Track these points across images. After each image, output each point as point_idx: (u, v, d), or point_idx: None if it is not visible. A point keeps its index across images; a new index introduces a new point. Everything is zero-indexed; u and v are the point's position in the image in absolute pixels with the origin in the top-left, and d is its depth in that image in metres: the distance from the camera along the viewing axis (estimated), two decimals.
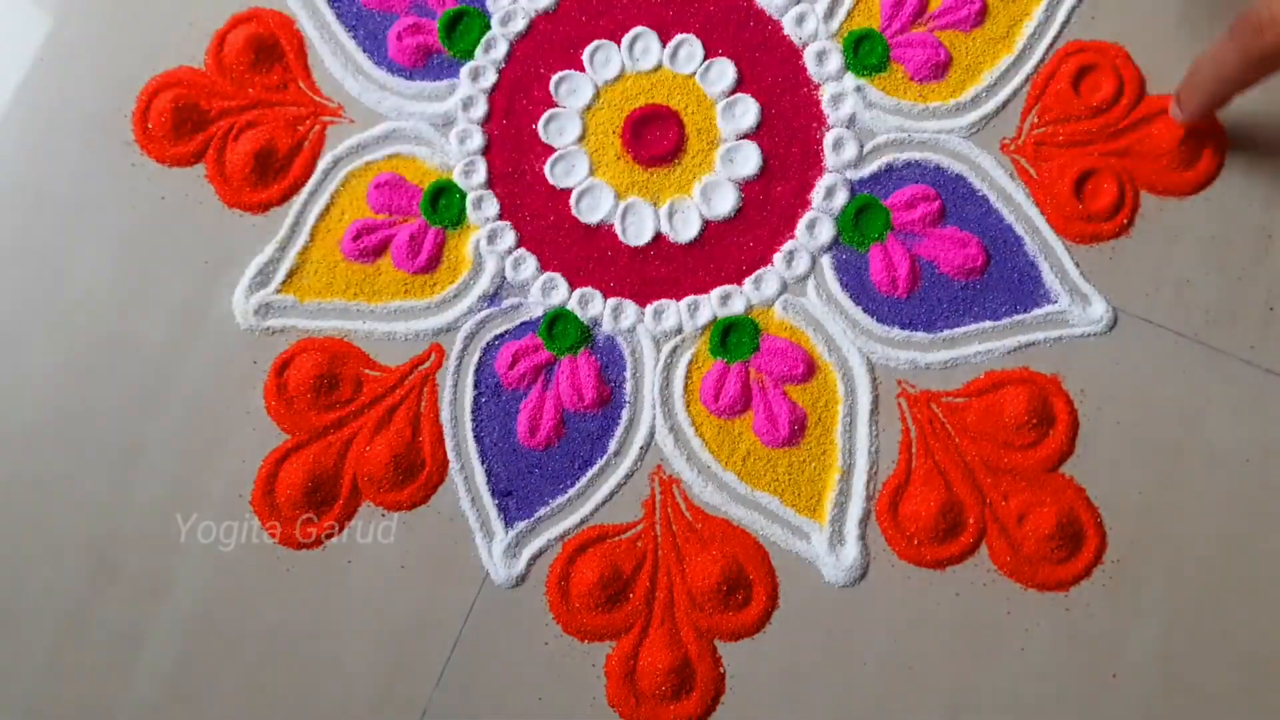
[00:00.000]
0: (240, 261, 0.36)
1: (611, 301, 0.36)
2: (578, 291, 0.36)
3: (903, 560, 0.34)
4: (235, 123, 0.37)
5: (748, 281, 0.37)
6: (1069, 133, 0.37)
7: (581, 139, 0.38)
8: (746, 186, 0.38)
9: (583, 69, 0.38)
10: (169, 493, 0.34)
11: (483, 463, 0.35)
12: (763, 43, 0.39)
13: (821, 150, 0.38)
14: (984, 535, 0.34)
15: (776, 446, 0.35)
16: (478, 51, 0.38)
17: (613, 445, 0.35)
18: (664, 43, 0.39)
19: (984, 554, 0.34)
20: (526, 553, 0.34)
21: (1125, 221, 0.37)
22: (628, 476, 0.35)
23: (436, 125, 0.38)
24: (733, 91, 0.38)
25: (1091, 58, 0.38)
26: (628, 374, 0.36)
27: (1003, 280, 0.36)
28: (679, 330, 0.36)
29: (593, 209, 0.37)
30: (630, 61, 0.39)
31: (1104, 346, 0.36)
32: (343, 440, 0.35)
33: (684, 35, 0.39)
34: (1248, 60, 0.32)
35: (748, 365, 0.36)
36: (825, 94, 0.38)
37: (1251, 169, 0.37)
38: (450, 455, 0.35)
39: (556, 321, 0.36)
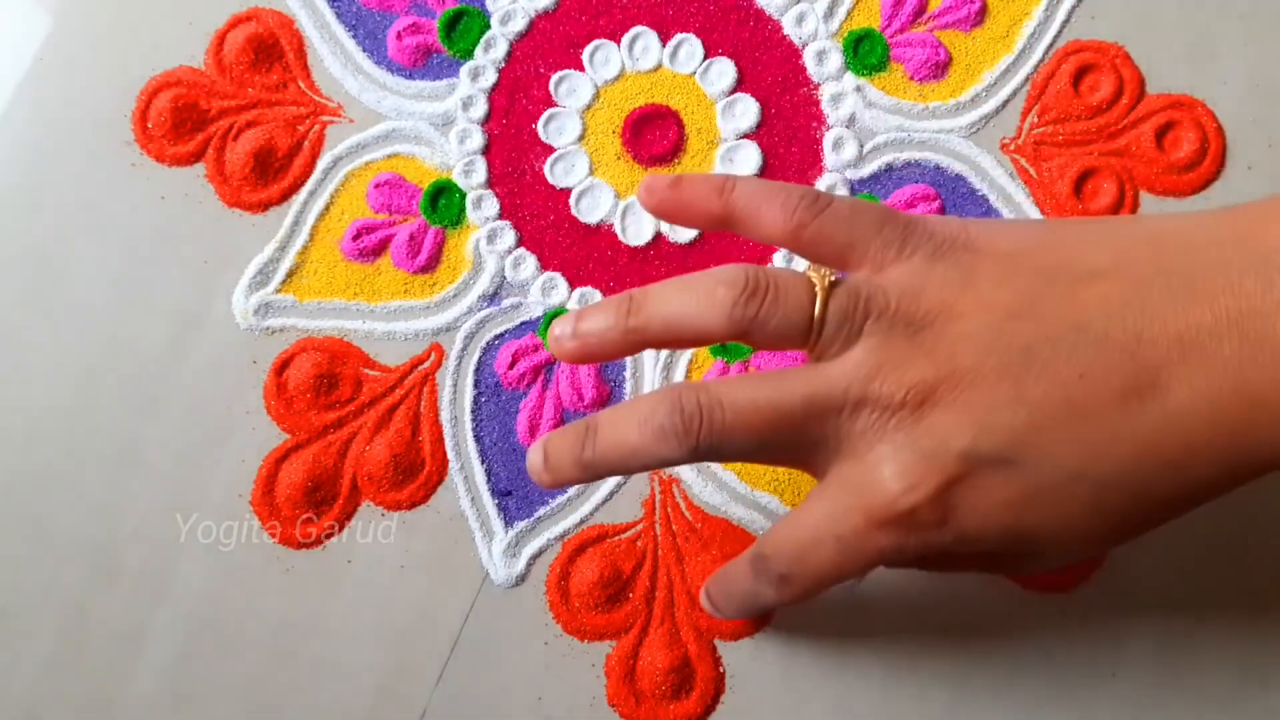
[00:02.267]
0: (240, 261, 0.36)
1: None
2: (578, 291, 0.36)
3: None
4: (235, 122, 0.37)
5: None
6: (1069, 132, 0.37)
7: (581, 139, 0.38)
8: None
9: (582, 69, 0.38)
10: (169, 493, 0.34)
11: (483, 462, 0.35)
12: (763, 42, 0.39)
13: (821, 150, 0.38)
14: None
15: None
16: (477, 51, 0.38)
17: None
18: (664, 42, 0.39)
19: None
20: (526, 552, 0.34)
21: None
22: (627, 476, 0.35)
23: (436, 125, 0.38)
24: (733, 91, 0.38)
25: (1091, 58, 0.38)
26: (628, 374, 0.36)
27: None
28: None
29: (592, 209, 0.37)
30: (630, 61, 0.39)
31: None
32: (343, 440, 0.35)
33: (684, 35, 0.39)
34: (788, 602, 0.27)
35: (747, 365, 0.36)
36: (825, 94, 0.38)
37: (1250, 169, 0.37)
38: (450, 455, 0.35)
39: None
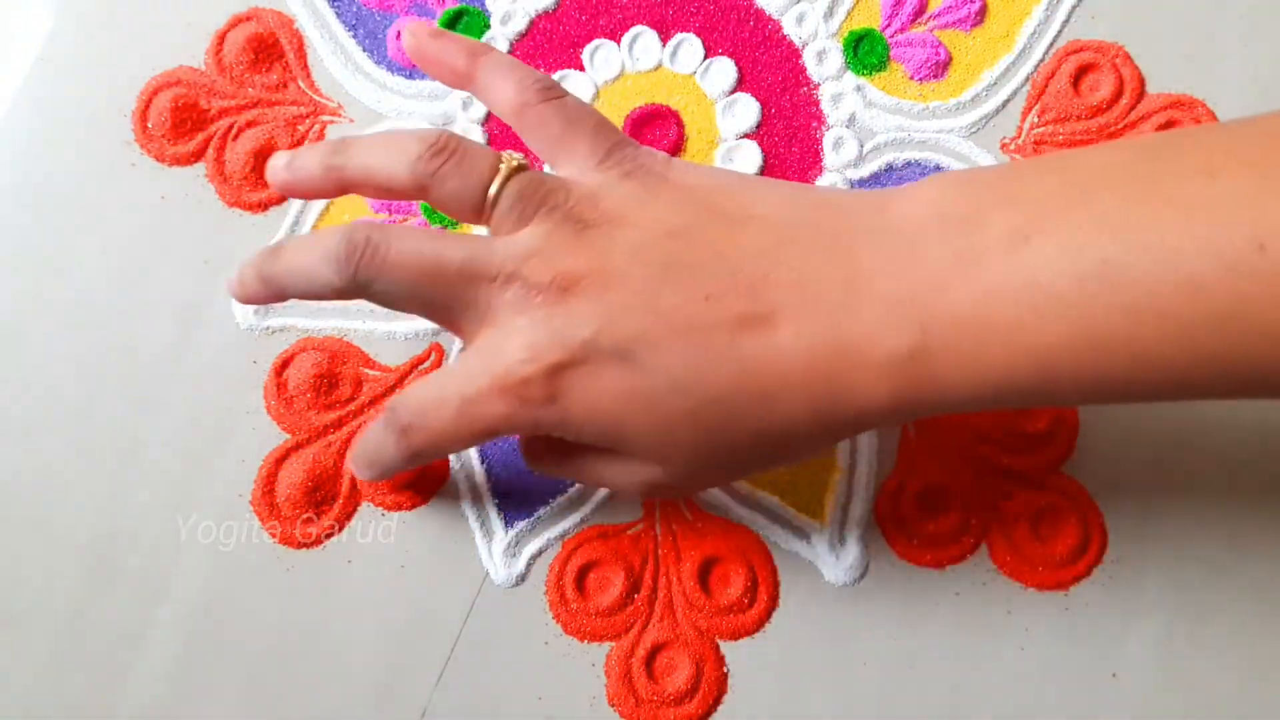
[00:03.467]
0: (240, 261, 0.36)
1: None
2: None
3: (902, 560, 0.34)
4: (235, 122, 0.37)
5: None
6: (1069, 132, 0.37)
7: None
8: None
9: (582, 69, 0.38)
10: (169, 493, 0.34)
11: (482, 462, 0.35)
12: (763, 42, 0.39)
13: (821, 150, 0.38)
14: (984, 535, 0.34)
15: None
16: None
17: None
18: (664, 42, 0.39)
19: (984, 554, 0.34)
20: (526, 552, 0.34)
21: None
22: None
23: (436, 125, 0.38)
24: (733, 91, 0.38)
25: (1091, 58, 0.38)
26: None
27: None
28: None
29: None
30: (630, 61, 0.39)
31: None
32: (343, 440, 0.35)
33: (684, 35, 0.39)
34: (408, 457, 0.29)
35: None
36: (825, 93, 0.38)
37: None
38: (450, 455, 0.35)
39: None
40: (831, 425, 0.26)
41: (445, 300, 0.27)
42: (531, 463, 0.31)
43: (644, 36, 0.39)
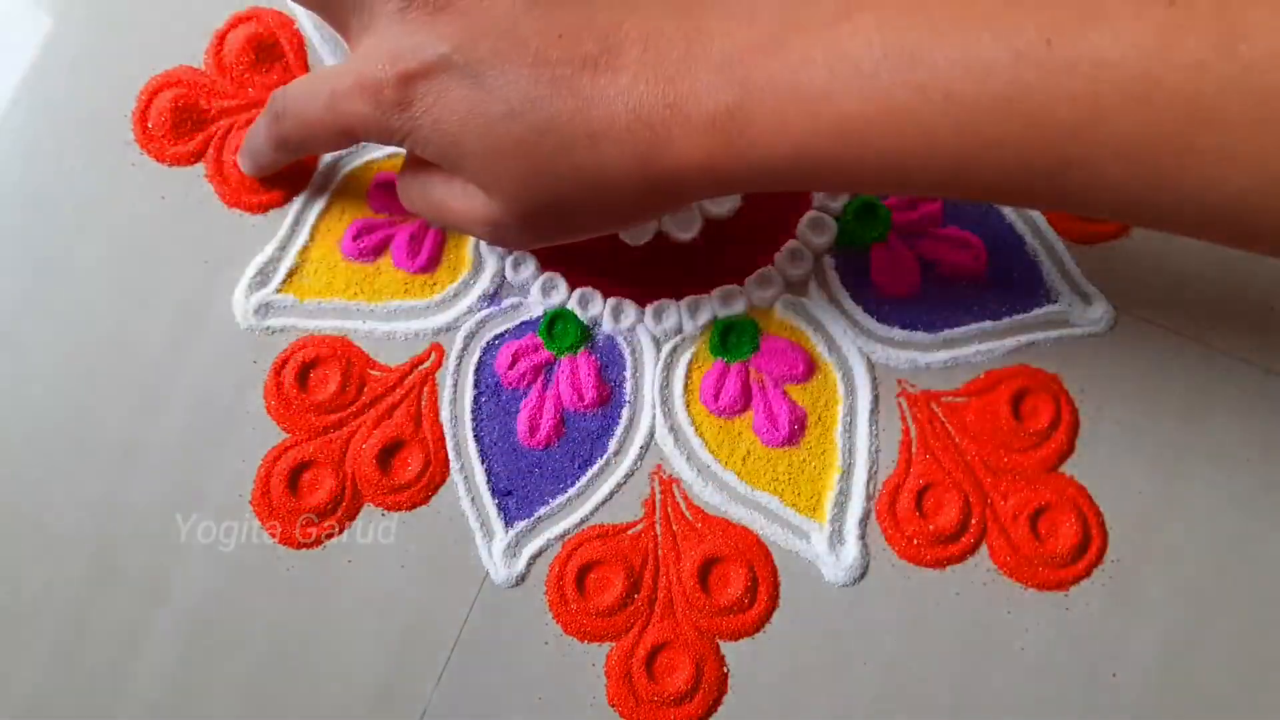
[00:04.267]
0: (240, 261, 0.36)
1: (611, 301, 0.36)
2: (578, 291, 0.36)
3: (902, 560, 0.34)
4: (235, 122, 0.37)
5: (749, 281, 0.37)
6: None
7: None
8: None
9: None
10: (169, 493, 0.34)
11: (483, 462, 0.35)
12: None
13: None
14: (984, 535, 0.34)
15: (776, 446, 0.35)
16: None
17: (612, 445, 0.35)
18: None
19: (984, 554, 0.34)
20: (526, 552, 0.34)
21: None
22: (628, 476, 0.35)
23: None
24: None
25: None
26: (628, 373, 0.36)
27: (1003, 280, 0.36)
28: (679, 330, 0.36)
29: None
30: None
31: (1104, 346, 0.36)
32: (343, 440, 0.35)
33: None
34: (275, 143, 0.33)
35: (748, 365, 0.36)
36: None
37: None
38: (450, 455, 0.35)
39: (556, 321, 0.36)
40: (653, 178, 0.27)
41: None
42: (400, 185, 0.32)
43: None
